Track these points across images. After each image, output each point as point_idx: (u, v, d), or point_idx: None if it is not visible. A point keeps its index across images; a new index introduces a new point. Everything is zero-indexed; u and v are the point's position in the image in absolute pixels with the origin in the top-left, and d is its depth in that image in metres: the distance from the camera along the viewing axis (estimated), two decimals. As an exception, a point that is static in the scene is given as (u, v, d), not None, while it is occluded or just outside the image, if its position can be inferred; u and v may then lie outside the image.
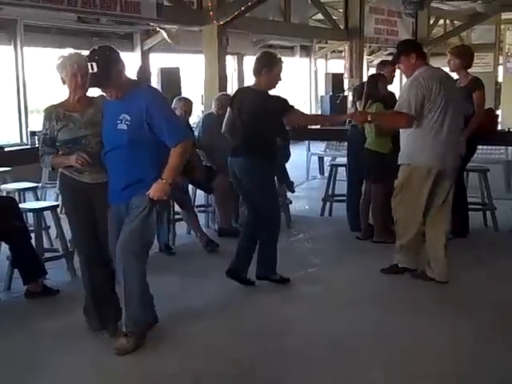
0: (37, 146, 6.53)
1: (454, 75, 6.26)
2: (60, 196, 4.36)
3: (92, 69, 3.89)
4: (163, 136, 3.97)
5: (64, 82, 4.25)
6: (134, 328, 4.08)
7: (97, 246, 4.24)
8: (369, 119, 5.47)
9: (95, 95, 4.23)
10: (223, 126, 5.54)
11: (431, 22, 15.80)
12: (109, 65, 3.91)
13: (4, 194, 6.60)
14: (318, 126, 8.06)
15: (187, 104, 6.70)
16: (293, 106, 5.20)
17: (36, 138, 6.65)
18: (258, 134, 5.08)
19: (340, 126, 7.55)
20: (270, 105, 5.07)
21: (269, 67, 5.05)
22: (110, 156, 4.07)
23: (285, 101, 5.15)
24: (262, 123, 5.05)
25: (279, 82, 5.20)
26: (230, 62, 14.66)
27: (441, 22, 16.88)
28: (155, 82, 11.42)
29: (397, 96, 7.11)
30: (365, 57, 15.48)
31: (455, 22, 17.04)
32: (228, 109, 5.45)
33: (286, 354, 4.09)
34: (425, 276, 5.30)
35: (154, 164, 4.01)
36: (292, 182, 7.74)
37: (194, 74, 11.22)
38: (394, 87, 7.30)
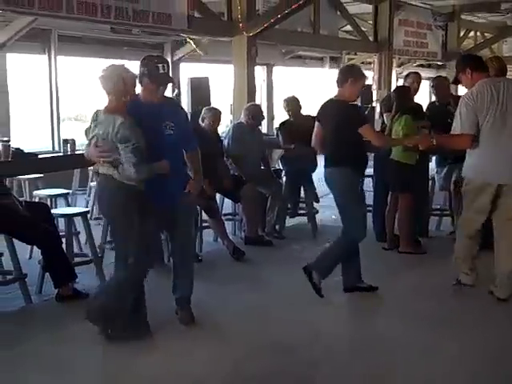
0: (69, 153, 6.71)
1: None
2: (109, 199, 4.37)
3: (164, 69, 4.46)
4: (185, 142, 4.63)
5: (109, 92, 4.29)
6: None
7: None
8: (433, 143, 5.33)
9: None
10: (312, 141, 5.56)
11: (461, 34, 15.73)
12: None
13: (37, 199, 6.76)
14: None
15: (216, 114, 6.80)
16: (367, 121, 5.26)
17: (68, 145, 6.77)
18: (343, 144, 5.14)
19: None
20: (351, 114, 5.17)
21: (355, 78, 5.15)
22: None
23: (361, 114, 5.30)
24: (345, 132, 5.12)
25: (358, 96, 5.39)
26: (260, 72, 14.79)
27: (471, 34, 16.79)
28: (185, 91, 11.58)
29: (424, 107, 7.21)
30: (394, 68, 15.49)
31: (486, 34, 16.94)
32: (316, 122, 5.49)
33: (302, 368, 4.14)
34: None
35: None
36: (315, 193, 7.78)
37: (223, 84, 11.33)
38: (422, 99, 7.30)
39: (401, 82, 8.46)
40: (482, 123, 4.92)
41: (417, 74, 7.32)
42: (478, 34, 17.01)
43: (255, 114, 7.19)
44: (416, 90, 7.04)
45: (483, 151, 4.96)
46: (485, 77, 5.07)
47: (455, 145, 5.33)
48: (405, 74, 8.61)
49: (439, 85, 7.20)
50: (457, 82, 5.38)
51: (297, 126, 7.26)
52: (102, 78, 4.31)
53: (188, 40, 11.65)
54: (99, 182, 4.53)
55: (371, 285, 5.40)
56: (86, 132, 4.44)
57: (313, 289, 5.19)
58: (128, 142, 4.13)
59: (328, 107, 5.33)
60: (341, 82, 5.19)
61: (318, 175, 7.80)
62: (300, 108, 7.53)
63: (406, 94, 6.68)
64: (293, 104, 7.45)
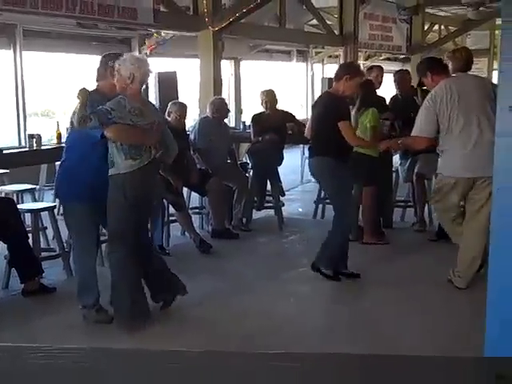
0: (35, 148, 6.71)
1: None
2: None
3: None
4: None
5: (125, 81, 4.34)
6: None
7: None
8: (400, 146, 5.75)
9: None
10: (306, 130, 5.83)
11: (426, 27, 15.95)
12: None
13: (3, 195, 6.74)
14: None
15: (182, 108, 6.83)
16: (347, 118, 5.40)
17: (34, 140, 6.78)
18: (324, 135, 5.36)
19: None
20: (334, 107, 5.34)
21: (350, 76, 5.31)
22: None
23: (344, 109, 5.41)
24: (326, 123, 5.34)
25: (355, 92, 5.60)
26: (227, 66, 14.81)
27: (436, 27, 17.03)
28: (152, 85, 11.56)
29: (387, 101, 7.34)
30: (361, 62, 15.63)
31: (450, 27, 17.19)
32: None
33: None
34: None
35: None
36: (281, 186, 7.90)
37: (190, 78, 11.35)
38: (384, 92, 7.43)
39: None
40: (447, 123, 5.04)
41: (379, 67, 7.44)
42: (443, 27, 17.26)
43: (220, 107, 7.26)
44: (380, 83, 7.16)
45: (456, 149, 5.08)
46: (444, 77, 5.23)
47: (416, 146, 5.64)
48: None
49: (401, 78, 7.36)
50: (421, 85, 5.58)
51: (270, 119, 7.38)
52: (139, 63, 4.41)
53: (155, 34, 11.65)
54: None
55: (353, 272, 5.61)
56: (81, 119, 4.23)
57: (329, 279, 5.45)
58: None
59: (320, 99, 5.65)
60: (337, 77, 5.39)
61: (284, 168, 7.96)
62: (276, 102, 7.63)
63: (370, 87, 6.80)
64: (270, 97, 7.55)
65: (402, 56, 16.59)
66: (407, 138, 5.68)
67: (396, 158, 7.52)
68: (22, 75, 10.42)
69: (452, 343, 4.16)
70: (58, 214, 6.66)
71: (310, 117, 5.76)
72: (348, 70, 5.44)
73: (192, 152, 7.04)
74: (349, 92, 5.43)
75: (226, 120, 7.65)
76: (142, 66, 4.38)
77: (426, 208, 7.34)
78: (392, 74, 7.71)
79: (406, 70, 8.01)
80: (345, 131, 5.29)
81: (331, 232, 5.54)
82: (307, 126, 5.82)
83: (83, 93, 4.29)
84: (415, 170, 7.12)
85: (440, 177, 5.33)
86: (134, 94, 4.39)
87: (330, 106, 5.37)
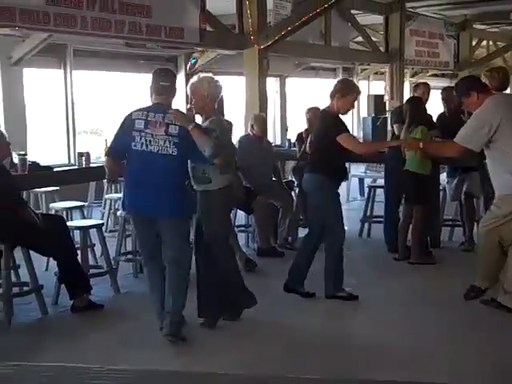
0: (84, 166, 6.83)
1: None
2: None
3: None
4: None
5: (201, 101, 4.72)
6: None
7: None
8: (420, 146, 5.52)
9: None
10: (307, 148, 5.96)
11: (474, 43, 15.77)
12: None
13: (53, 212, 6.87)
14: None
15: (228, 126, 6.86)
16: (346, 131, 5.39)
17: (83, 158, 6.89)
18: (322, 153, 5.40)
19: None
20: (330, 125, 5.36)
21: (342, 94, 5.33)
22: None
23: (340, 124, 5.39)
24: (323, 142, 5.39)
25: (351, 108, 5.60)
26: (273, 83, 14.87)
27: (483, 43, 16.82)
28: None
29: (434, 118, 7.25)
30: (408, 79, 15.52)
31: (498, 43, 16.95)
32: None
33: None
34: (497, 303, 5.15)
35: None
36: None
37: (237, 96, 11.43)
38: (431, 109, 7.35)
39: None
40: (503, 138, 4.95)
41: (426, 84, 7.38)
42: (491, 43, 17.02)
43: (259, 124, 7.26)
44: (426, 101, 7.09)
45: None
46: (488, 95, 5.12)
47: (442, 151, 5.58)
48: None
49: (448, 95, 7.25)
50: (461, 106, 5.46)
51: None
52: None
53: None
54: None
55: (308, 292, 5.57)
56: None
57: (347, 300, 5.42)
58: None
59: (318, 117, 5.67)
60: (331, 95, 5.40)
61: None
62: None
63: (419, 104, 6.74)
64: (315, 115, 7.52)
65: (450, 72, 16.41)
66: (433, 142, 5.62)
67: (443, 176, 7.41)
68: (72, 94, 10.66)
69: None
70: (105, 231, 6.78)
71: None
72: (339, 88, 5.40)
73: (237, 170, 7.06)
74: (343, 109, 5.44)
75: (270, 137, 7.65)
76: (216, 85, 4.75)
77: (475, 227, 7.20)
78: (440, 91, 7.62)
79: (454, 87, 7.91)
80: (347, 143, 5.29)
81: (328, 253, 5.51)
82: (308, 141, 5.85)
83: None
84: (463, 189, 7.02)
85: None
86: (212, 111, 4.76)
87: (326, 124, 5.41)
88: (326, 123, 5.40)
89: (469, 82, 5.45)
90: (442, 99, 7.33)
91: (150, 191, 4.50)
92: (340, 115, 5.44)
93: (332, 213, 5.48)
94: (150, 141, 4.46)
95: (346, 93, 5.35)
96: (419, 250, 6.67)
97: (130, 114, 4.56)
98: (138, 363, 4.22)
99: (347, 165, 10.68)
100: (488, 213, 5.32)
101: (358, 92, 5.52)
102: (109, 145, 4.81)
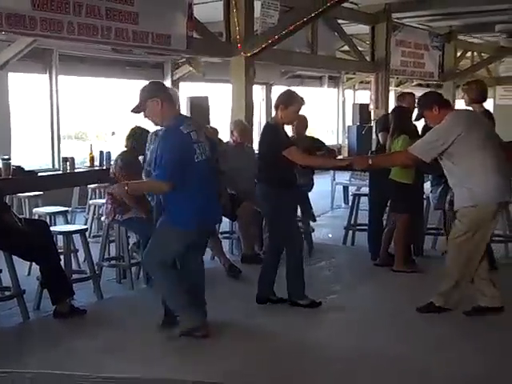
0: (68, 171, 6.82)
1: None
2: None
3: None
4: None
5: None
6: None
7: None
8: (369, 163, 5.57)
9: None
10: None
11: (458, 54, 15.89)
12: None
13: (36, 217, 6.84)
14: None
15: (212, 133, 6.87)
16: (291, 145, 5.41)
17: (68, 163, 6.88)
18: (267, 163, 5.46)
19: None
20: (272, 138, 5.41)
21: (285, 105, 5.38)
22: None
23: (284, 139, 5.44)
24: (266, 153, 5.46)
25: (294, 120, 5.70)
26: (259, 91, 14.92)
27: (468, 54, 16.96)
28: (184, 110, 11.68)
29: (419, 129, 7.30)
30: (393, 88, 15.62)
31: (483, 54, 17.11)
32: None
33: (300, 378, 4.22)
34: (480, 309, 5.24)
35: None
36: (312, 212, 7.86)
37: (223, 103, 11.45)
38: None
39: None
40: (470, 151, 5.02)
41: (411, 94, 7.42)
42: (475, 54, 17.17)
43: (240, 130, 7.27)
44: (412, 111, 7.12)
45: (490, 174, 5.04)
46: (449, 111, 5.25)
47: (392, 162, 5.76)
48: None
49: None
50: (420, 118, 5.53)
51: (298, 144, 7.36)
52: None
53: (184, 60, 11.88)
54: None
55: (282, 297, 5.57)
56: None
57: (312, 307, 5.43)
58: None
59: (263, 129, 5.67)
60: (275, 106, 5.48)
61: (314, 194, 7.94)
62: (306, 128, 7.63)
63: (404, 114, 6.78)
64: (301, 122, 7.54)
65: (434, 82, 16.54)
66: (380, 156, 5.73)
67: (427, 185, 7.45)
68: (57, 99, 10.63)
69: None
70: (89, 237, 6.76)
71: None
72: (282, 100, 5.45)
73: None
74: (288, 120, 5.52)
75: (255, 144, 7.65)
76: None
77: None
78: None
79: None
80: (292, 157, 5.35)
81: (288, 262, 5.53)
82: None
83: None
84: (447, 198, 7.05)
85: (472, 208, 5.09)
86: None
87: (269, 137, 5.44)
88: (269, 136, 5.43)
89: (432, 96, 5.53)
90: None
91: (214, 200, 4.81)
92: (285, 126, 5.53)
93: (282, 221, 5.46)
94: (203, 149, 4.59)
95: (289, 104, 5.39)
96: (403, 257, 6.70)
97: (179, 130, 4.52)
98: (121, 370, 4.20)
99: (332, 172, 10.92)
100: (454, 227, 5.38)
101: (301, 103, 5.51)
102: (168, 173, 4.50)
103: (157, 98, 4.54)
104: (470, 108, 6.50)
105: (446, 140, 5.03)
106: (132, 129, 6.30)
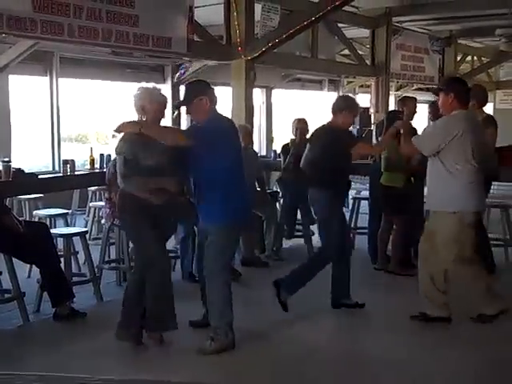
0: (69, 173, 6.81)
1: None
2: (131, 217, 4.62)
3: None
4: None
5: (141, 113, 4.60)
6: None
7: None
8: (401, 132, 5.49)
9: None
10: (301, 161, 5.93)
11: (458, 58, 15.89)
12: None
13: (36, 219, 6.84)
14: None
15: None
16: (356, 142, 5.66)
17: (68, 166, 6.88)
18: (327, 168, 5.43)
19: (364, 161, 7.70)
20: (341, 139, 5.46)
21: (348, 110, 5.50)
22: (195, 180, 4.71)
23: (348, 139, 5.59)
24: (330, 157, 5.40)
25: (350, 125, 5.78)
26: (259, 94, 14.91)
27: (468, 58, 16.96)
28: (185, 113, 11.69)
29: (419, 132, 7.30)
30: (393, 92, 15.61)
31: (483, 58, 17.10)
32: (308, 145, 5.87)
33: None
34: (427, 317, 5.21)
35: None
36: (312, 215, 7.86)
37: (223, 106, 11.47)
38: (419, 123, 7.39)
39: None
40: (465, 155, 5.01)
41: (413, 98, 7.42)
42: (475, 58, 17.17)
43: (242, 134, 7.25)
44: (413, 114, 7.12)
45: (480, 182, 5.08)
46: (461, 108, 5.10)
47: (403, 149, 5.57)
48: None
49: (435, 110, 7.27)
50: (437, 94, 5.38)
51: (300, 147, 7.39)
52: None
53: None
54: None
55: (357, 301, 5.54)
56: None
57: (279, 303, 5.39)
58: (120, 154, 4.50)
59: (319, 132, 5.62)
60: (334, 111, 5.48)
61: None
62: (307, 131, 7.65)
63: (397, 118, 6.77)
64: (302, 125, 7.57)
65: (434, 87, 16.54)
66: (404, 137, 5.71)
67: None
68: (57, 101, 10.63)
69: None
70: (89, 239, 6.76)
71: (307, 149, 5.81)
72: (345, 104, 5.53)
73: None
74: (347, 125, 5.58)
75: (255, 148, 7.66)
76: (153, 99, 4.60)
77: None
78: (425, 105, 7.68)
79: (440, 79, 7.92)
80: (363, 150, 5.68)
81: (310, 260, 5.74)
82: (304, 156, 5.83)
83: None
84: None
85: (451, 215, 5.02)
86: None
87: (333, 139, 5.42)
88: (335, 138, 5.41)
89: (455, 82, 5.37)
90: (429, 113, 7.38)
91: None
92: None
93: (336, 223, 5.48)
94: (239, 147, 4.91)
95: (352, 110, 5.53)
96: (399, 260, 6.73)
97: (223, 126, 4.70)
98: (121, 372, 4.21)
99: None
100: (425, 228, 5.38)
101: (359, 108, 5.87)
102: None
103: (205, 97, 4.63)
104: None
105: (444, 136, 4.98)
106: None
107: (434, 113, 7.26)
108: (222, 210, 4.57)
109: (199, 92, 4.67)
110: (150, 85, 4.70)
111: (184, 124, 12.06)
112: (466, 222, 5.00)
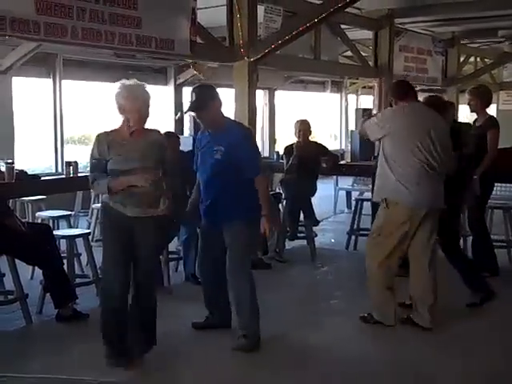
0: (72, 175, 6.82)
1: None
2: (101, 225, 4.47)
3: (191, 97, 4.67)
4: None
5: (122, 111, 4.25)
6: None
7: (129, 273, 4.32)
8: None
9: (151, 129, 4.37)
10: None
11: (461, 59, 15.88)
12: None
13: (39, 221, 6.85)
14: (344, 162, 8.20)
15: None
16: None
17: (71, 167, 6.89)
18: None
19: (368, 162, 7.71)
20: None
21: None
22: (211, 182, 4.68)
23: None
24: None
25: None
26: (261, 96, 14.93)
27: (471, 59, 16.94)
28: (187, 114, 11.70)
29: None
30: (395, 93, 15.58)
31: (486, 59, 17.09)
32: None
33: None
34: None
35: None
36: (315, 216, 7.86)
37: (225, 108, 11.48)
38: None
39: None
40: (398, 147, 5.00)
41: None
42: (478, 59, 17.15)
43: None
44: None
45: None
46: (406, 102, 5.12)
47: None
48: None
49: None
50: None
51: (302, 148, 7.39)
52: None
53: (191, 66, 11.89)
54: None
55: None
56: None
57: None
58: (90, 158, 4.26)
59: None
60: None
61: (317, 199, 7.94)
62: (310, 132, 7.67)
63: None
64: (305, 126, 7.58)
65: (437, 88, 16.53)
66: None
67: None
68: (60, 103, 10.66)
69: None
70: (92, 241, 6.77)
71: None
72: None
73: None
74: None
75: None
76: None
77: (461, 241, 7.27)
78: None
79: (451, 103, 7.88)
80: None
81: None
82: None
83: None
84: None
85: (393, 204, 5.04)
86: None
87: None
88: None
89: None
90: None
91: None
92: None
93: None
94: None
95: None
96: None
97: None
98: (123, 374, 4.21)
99: (335, 177, 10.92)
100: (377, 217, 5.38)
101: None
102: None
103: (217, 102, 4.66)
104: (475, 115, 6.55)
105: (385, 126, 5.00)
106: None
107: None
108: (249, 207, 4.61)
109: (213, 96, 4.68)
110: (132, 81, 4.32)
111: (186, 126, 12.12)
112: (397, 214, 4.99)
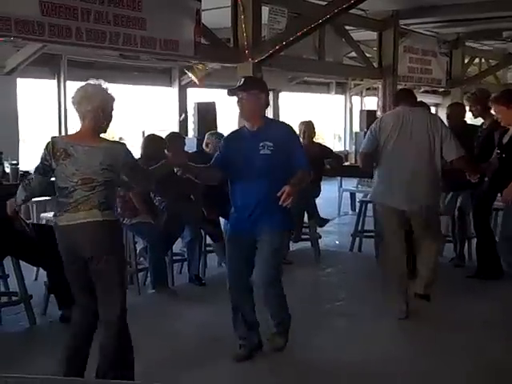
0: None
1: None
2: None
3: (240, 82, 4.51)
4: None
5: (83, 117, 4.05)
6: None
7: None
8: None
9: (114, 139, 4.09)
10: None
11: (466, 60, 15.85)
12: None
13: (43, 222, 6.85)
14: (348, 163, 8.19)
15: (219, 139, 6.86)
16: None
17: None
18: None
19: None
20: None
21: None
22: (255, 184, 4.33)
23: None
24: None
25: None
26: (266, 97, 14.93)
27: (476, 61, 16.91)
28: (191, 116, 11.71)
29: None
30: (399, 94, 15.57)
31: (490, 61, 17.06)
32: None
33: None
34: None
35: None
36: (323, 218, 7.85)
37: (229, 109, 11.47)
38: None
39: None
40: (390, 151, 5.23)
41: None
42: (483, 61, 17.12)
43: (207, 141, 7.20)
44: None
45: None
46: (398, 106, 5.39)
47: None
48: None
49: (452, 112, 7.15)
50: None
51: (306, 151, 7.37)
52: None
53: (186, 71, 11.93)
54: None
55: None
56: None
57: None
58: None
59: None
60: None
61: (321, 201, 7.93)
62: (314, 134, 7.66)
63: None
64: (309, 127, 7.57)
65: (441, 89, 16.51)
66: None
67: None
68: (65, 104, 10.67)
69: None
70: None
71: None
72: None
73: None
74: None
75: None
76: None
77: (466, 243, 7.28)
78: (433, 108, 7.64)
79: (461, 104, 7.82)
80: None
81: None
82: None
83: None
84: (458, 205, 7.05)
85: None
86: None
87: None
88: None
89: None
90: (447, 115, 7.20)
91: None
92: None
93: None
94: None
95: None
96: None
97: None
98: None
99: (339, 179, 10.91)
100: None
101: None
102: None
103: (266, 96, 4.46)
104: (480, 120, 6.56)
105: (376, 134, 5.23)
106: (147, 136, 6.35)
107: (451, 115, 7.11)
108: (288, 215, 4.41)
109: (263, 88, 4.45)
110: (93, 81, 3.97)
111: (190, 127, 12.10)
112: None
